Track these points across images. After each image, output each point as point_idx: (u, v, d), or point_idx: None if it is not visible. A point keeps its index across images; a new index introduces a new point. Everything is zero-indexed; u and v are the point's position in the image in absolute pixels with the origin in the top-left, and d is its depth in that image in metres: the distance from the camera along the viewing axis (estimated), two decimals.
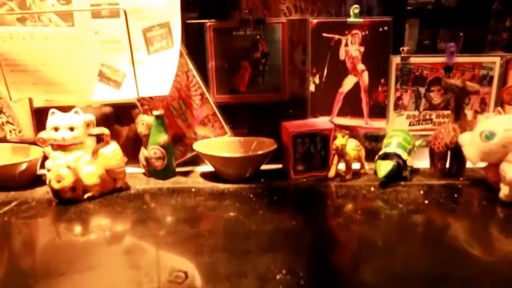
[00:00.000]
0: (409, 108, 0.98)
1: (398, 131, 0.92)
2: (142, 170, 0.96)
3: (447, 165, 0.90)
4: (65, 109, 0.87)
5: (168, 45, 0.89)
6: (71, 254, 0.65)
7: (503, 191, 0.77)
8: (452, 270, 0.59)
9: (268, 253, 0.62)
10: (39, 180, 0.93)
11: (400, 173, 0.87)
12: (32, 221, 0.77)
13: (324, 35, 0.94)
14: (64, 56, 0.89)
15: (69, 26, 0.88)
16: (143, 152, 0.93)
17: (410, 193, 0.83)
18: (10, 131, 1.01)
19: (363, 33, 0.94)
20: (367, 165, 0.93)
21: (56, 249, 0.68)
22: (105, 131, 0.86)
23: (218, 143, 0.96)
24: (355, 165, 0.91)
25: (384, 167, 0.85)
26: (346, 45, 0.94)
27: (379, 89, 0.97)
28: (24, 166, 0.90)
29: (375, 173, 0.88)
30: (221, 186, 0.88)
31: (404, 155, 0.86)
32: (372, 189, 0.85)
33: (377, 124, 0.99)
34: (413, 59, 0.95)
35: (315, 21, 0.94)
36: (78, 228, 0.74)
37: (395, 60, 0.95)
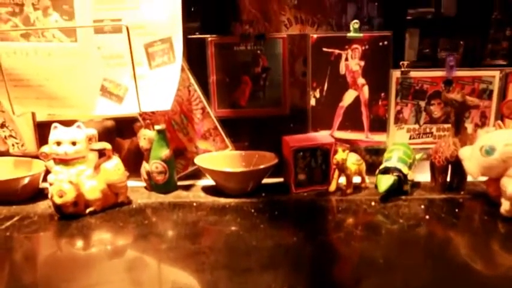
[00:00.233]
0: (410, 122, 0.98)
1: (398, 145, 0.92)
2: (144, 184, 0.96)
3: (448, 179, 0.91)
4: (67, 123, 0.87)
5: (169, 60, 0.89)
6: (73, 270, 0.65)
7: (504, 206, 0.77)
8: (453, 286, 0.59)
9: (269, 270, 0.62)
10: (41, 194, 0.94)
11: (401, 187, 0.87)
12: (33, 236, 0.77)
13: (324, 49, 0.95)
14: (67, 71, 0.90)
15: (72, 42, 0.90)
16: (145, 166, 0.94)
17: (411, 208, 0.83)
18: (13, 145, 1.02)
19: (363, 48, 0.94)
20: (367, 179, 0.93)
21: (57, 265, 0.69)
22: (107, 146, 0.86)
23: (219, 157, 0.97)
24: (356, 179, 0.92)
25: (385, 182, 0.85)
26: (347, 59, 0.95)
27: (380, 103, 0.97)
28: (26, 180, 0.90)
29: (376, 186, 0.88)
30: (222, 200, 0.88)
31: (405, 169, 0.87)
32: (373, 203, 0.85)
33: (377, 138, 0.99)
34: (413, 73, 0.96)
35: (315, 36, 0.94)
36: (80, 244, 0.74)
37: (396, 74, 0.95)
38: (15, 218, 0.83)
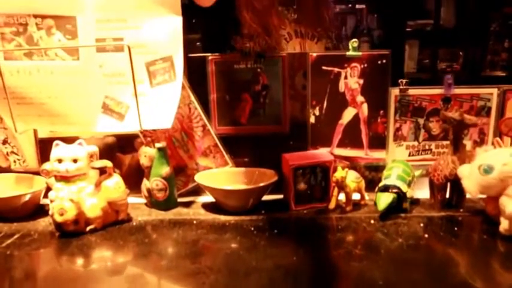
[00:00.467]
0: (409, 139, 0.99)
1: (397, 163, 0.93)
2: (145, 200, 0.97)
3: (447, 196, 0.91)
4: (68, 140, 0.88)
5: (170, 78, 0.91)
6: None
7: (503, 225, 0.78)
8: None
9: None
10: (42, 211, 0.94)
11: (400, 204, 0.88)
12: (34, 254, 0.78)
13: (324, 68, 0.96)
14: (69, 88, 0.91)
15: (75, 60, 0.91)
16: (145, 184, 0.94)
17: (411, 226, 0.83)
18: (14, 161, 1.02)
19: (362, 66, 0.95)
20: (367, 196, 0.93)
21: (58, 283, 0.69)
22: (108, 163, 0.87)
23: (219, 174, 0.97)
24: (356, 196, 0.92)
25: (384, 200, 0.85)
26: (346, 77, 0.96)
27: (379, 120, 0.98)
28: (27, 197, 0.91)
29: (375, 204, 0.88)
30: (222, 218, 0.89)
31: (404, 187, 0.87)
32: (372, 221, 0.85)
33: (377, 155, 1.00)
34: (412, 91, 0.97)
35: (314, 54, 0.96)
36: (80, 262, 0.74)
37: (394, 92, 0.96)
38: (16, 236, 0.84)
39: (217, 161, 0.99)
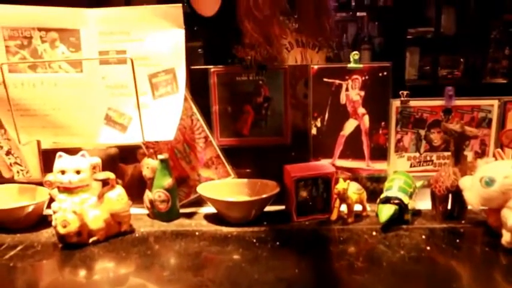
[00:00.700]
0: (410, 150, 0.99)
1: (399, 174, 0.93)
2: (147, 211, 0.97)
3: (449, 207, 0.91)
4: (71, 151, 0.89)
5: (173, 90, 0.91)
6: None
7: (505, 237, 0.78)
8: None
9: None
10: (45, 221, 0.95)
11: (401, 216, 0.88)
12: (37, 266, 0.78)
13: (325, 80, 0.96)
14: (72, 100, 0.92)
15: (78, 72, 0.91)
16: (148, 195, 0.95)
17: (412, 238, 0.83)
18: (18, 172, 1.03)
19: (363, 78, 0.96)
20: (369, 207, 0.94)
21: None
22: (110, 175, 0.87)
23: (221, 185, 0.98)
24: (357, 207, 0.92)
25: (386, 212, 0.85)
26: (347, 89, 0.97)
27: (380, 131, 0.99)
28: (30, 208, 0.92)
29: (377, 215, 0.89)
30: (224, 229, 0.89)
31: (406, 199, 0.87)
32: (374, 233, 0.85)
33: (378, 166, 1.00)
34: (413, 102, 0.97)
35: (315, 67, 0.96)
36: (83, 273, 0.75)
37: (395, 103, 0.97)
38: (19, 247, 0.84)
39: (219, 172, 0.99)
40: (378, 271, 0.72)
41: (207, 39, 1.30)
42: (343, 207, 0.92)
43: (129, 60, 0.87)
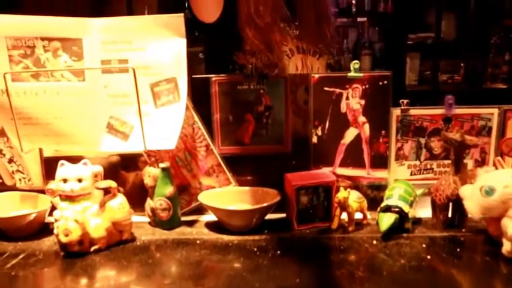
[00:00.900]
0: (410, 159, 1.00)
1: (399, 183, 0.93)
2: (148, 219, 0.97)
3: (449, 215, 0.92)
4: (73, 159, 0.89)
5: (174, 99, 0.92)
6: None
7: (506, 246, 0.78)
8: None
9: None
10: (47, 229, 0.95)
11: (402, 225, 0.88)
12: (39, 275, 0.78)
13: (326, 89, 0.97)
14: (75, 109, 0.93)
15: (80, 81, 0.92)
16: (149, 203, 0.95)
17: (413, 247, 0.83)
18: (20, 179, 1.03)
19: (363, 87, 0.97)
20: (369, 215, 0.94)
21: None
22: (112, 184, 0.88)
23: (223, 193, 0.98)
24: (358, 215, 0.92)
25: (386, 220, 0.86)
26: (347, 98, 0.97)
27: (380, 140, 0.99)
28: (32, 217, 0.92)
29: (377, 223, 0.89)
30: (225, 238, 0.89)
31: (406, 208, 0.88)
32: (375, 242, 0.86)
33: (379, 174, 1.00)
34: (413, 111, 0.98)
35: (316, 76, 0.97)
36: (84, 282, 0.75)
37: (396, 112, 0.97)
38: (21, 256, 0.84)
39: (220, 180, 1.00)
40: (379, 280, 0.73)
41: (208, 45, 1.31)
42: (344, 216, 0.92)
43: (131, 70, 0.88)
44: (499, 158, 0.91)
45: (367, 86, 0.96)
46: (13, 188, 1.03)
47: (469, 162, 1.00)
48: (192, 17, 1.15)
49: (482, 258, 0.81)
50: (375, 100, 0.97)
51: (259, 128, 1.01)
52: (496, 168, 0.89)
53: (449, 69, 3.35)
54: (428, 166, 1.00)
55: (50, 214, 0.93)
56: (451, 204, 0.90)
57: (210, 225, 0.95)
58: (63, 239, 0.82)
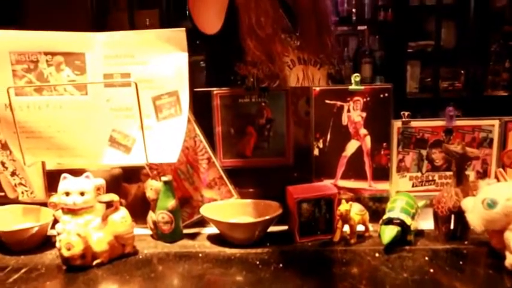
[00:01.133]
0: (412, 170, 1.00)
1: (401, 195, 0.93)
2: (151, 232, 0.97)
3: (451, 227, 0.91)
4: (76, 172, 0.90)
5: (176, 112, 0.92)
6: None
7: (509, 260, 0.78)
8: None
9: None
10: (49, 242, 0.95)
11: (404, 237, 0.88)
12: None
13: (327, 101, 0.97)
14: (77, 122, 0.93)
15: (83, 95, 0.93)
16: (151, 216, 0.95)
17: (415, 260, 0.83)
18: (22, 192, 1.04)
19: (365, 100, 0.97)
20: (371, 227, 0.94)
21: None
22: (114, 197, 0.88)
23: (225, 206, 0.98)
24: (360, 227, 0.92)
25: (388, 233, 0.86)
26: (349, 111, 0.98)
27: (382, 152, 0.99)
28: (35, 230, 0.92)
29: (379, 236, 0.89)
30: (228, 251, 0.89)
31: (408, 220, 0.88)
32: (377, 254, 0.85)
33: (380, 186, 1.00)
34: (414, 123, 0.98)
35: (317, 88, 0.97)
36: None
37: (397, 124, 0.98)
38: (23, 270, 0.84)
39: (222, 192, 1.00)
40: None
41: (209, 55, 1.32)
42: (346, 228, 0.92)
43: (133, 84, 0.89)
44: (501, 169, 0.91)
45: (368, 98, 0.97)
46: (15, 201, 1.04)
47: (471, 174, 1.00)
48: (193, 26, 1.16)
49: (485, 271, 0.81)
50: (376, 112, 0.97)
51: (260, 140, 1.01)
52: (498, 180, 0.89)
53: (449, 77, 3.36)
54: (430, 178, 1.00)
55: (53, 227, 0.93)
56: (453, 216, 0.90)
57: (212, 238, 0.95)
58: (66, 253, 0.82)
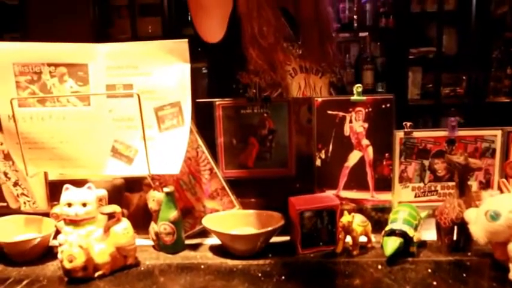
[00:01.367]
0: (414, 181, 1.00)
1: (403, 206, 0.93)
2: (152, 243, 0.97)
3: (454, 238, 0.91)
4: (78, 182, 0.90)
5: (178, 123, 0.92)
6: None
7: None
8: None
9: None
10: (51, 253, 0.95)
11: (407, 248, 0.88)
12: None
13: (329, 112, 0.97)
14: (80, 133, 0.93)
15: (86, 106, 0.93)
16: (153, 227, 0.95)
17: (418, 272, 0.83)
18: (24, 203, 1.04)
19: (367, 110, 0.97)
20: (374, 238, 0.93)
21: None
22: (116, 209, 0.88)
23: (227, 217, 0.98)
24: (362, 238, 0.92)
25: (391, 245, 0.85)
26: (351, 121, 0.98)
27: (384, 162, 0.99)
28: (37, 241, 0.92)
29: (382, 247, 0.88)
30: (230, 262, 0.89)
31: (411, 232, 0.87)
32: (380, 266, 0.85)
33: (383, 197, 1.00)
34: (416, 133, 0.98)
35: (319, 99, 0.98)
36: None
37: (399, 135, 0.98)
38: (25, 282, 0.84)
39: (224, 203, 1.00)
40: None
41: (211, 64, 1.33)
42: (348, 239, 0.91)
43: (136, 95, 0.89)
44: (504, 180, 0.91)
45: (370, 109, 0.97)
46: (18, 211, 1.04)
47: (474, 184, 0.99)
48: (195, 34, 1.16)
49: (489, 284, 0.80)
50: (378, 123, 0.97)
51: (263, 151, 1.01)
52: (501, 191, 0.88)
53: (451, 83, 3.37)
54: (433, 188, 1.00)
55: (55, 237, 0.93)
56: (456, 227, 0.90)
57: (214, 249, 0.95)
58: (67, 265, 0.82)
